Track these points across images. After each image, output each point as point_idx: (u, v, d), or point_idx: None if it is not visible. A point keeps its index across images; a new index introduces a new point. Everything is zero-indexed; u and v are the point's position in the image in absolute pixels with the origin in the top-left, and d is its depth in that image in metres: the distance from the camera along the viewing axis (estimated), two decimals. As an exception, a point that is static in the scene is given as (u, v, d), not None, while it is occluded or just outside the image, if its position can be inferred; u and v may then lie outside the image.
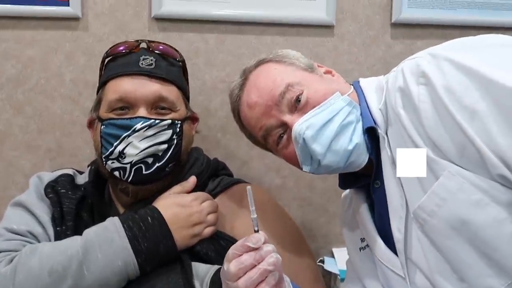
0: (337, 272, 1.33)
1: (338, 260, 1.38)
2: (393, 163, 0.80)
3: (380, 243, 0.88)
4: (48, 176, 1.07)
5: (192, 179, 1.02)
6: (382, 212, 0.86)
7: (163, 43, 1.07)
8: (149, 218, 0.92)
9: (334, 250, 1.42)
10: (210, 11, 1.32)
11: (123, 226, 0.90)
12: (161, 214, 0.93)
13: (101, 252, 0.87)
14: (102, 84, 1.03)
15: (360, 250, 0.97)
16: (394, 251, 0.84)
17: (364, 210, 0.93)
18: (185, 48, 1.32)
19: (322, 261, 1.39)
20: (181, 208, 0.95)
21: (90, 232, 0.90)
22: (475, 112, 0.67)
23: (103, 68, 1.07)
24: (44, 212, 0.99)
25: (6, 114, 1.28)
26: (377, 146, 0.85)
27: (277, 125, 0.89)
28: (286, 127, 0.88)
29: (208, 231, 0.97)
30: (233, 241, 0.98)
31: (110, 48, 1.06)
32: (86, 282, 0.86)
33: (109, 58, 1.05)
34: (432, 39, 1.40)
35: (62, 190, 1.02)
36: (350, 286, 1.01)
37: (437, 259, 0.75)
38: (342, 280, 1.30)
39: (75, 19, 1.28)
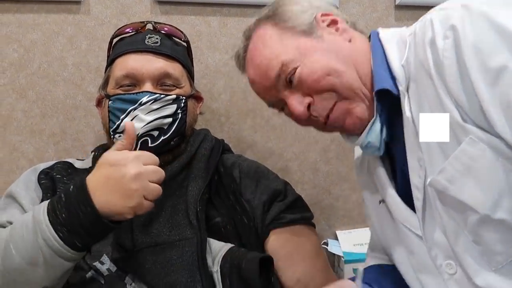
0: (341, 254, 1.34)
1: (341, 242, 1.38)
2: (413, 122, 0.77)
3: (397, 201, 0.85)
4: (44, 165, 1.09)
5: (128, 124, 0.87)
6: (403, 168, 0.83)
7: (169, 24, 1.12)
8: (71, 187, 0.82)
9: (338, 232, 1.42)
10: (212, -7, 1.30)
11: (48, 203, 0.82)
12: (83, 180, 0.81)
13: (26, 230, 0.81)
14: (110, 63, 1.07)
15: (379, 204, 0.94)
16: (413, 209, 0.82)
17: (380, 169, 0.90)
18: (187, 32, 1.31)
19: (326, 244, 1.39)
20: (113, 168, 0.80)
21: (27, 213, 0.86)
22: (500, 75, 0.64)
23: (111, 48, 1.10)
24: (29, 201, 0.99)
25: (9, 99, 1.28)
26: (390, 106, 0.81)
27: (277, 101, 0.89)
28: (285, 102, 0.87)
29: (146, 205, 0.80)
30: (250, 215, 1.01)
31: (118, 29, 1.11)
32: (14, 263, 0.80)
33: (116, 39, 1.10)
34: (437, 20, 1.38)
35: (58, 176, 1.04)
36: (374, 253, 1.00)
37: (454, 222, 0.74)
38: (346, 262, 1.31)
39: (77, 2, 1.27)
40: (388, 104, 0.81)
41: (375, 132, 0.82)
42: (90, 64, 1.29)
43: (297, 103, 0.84)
